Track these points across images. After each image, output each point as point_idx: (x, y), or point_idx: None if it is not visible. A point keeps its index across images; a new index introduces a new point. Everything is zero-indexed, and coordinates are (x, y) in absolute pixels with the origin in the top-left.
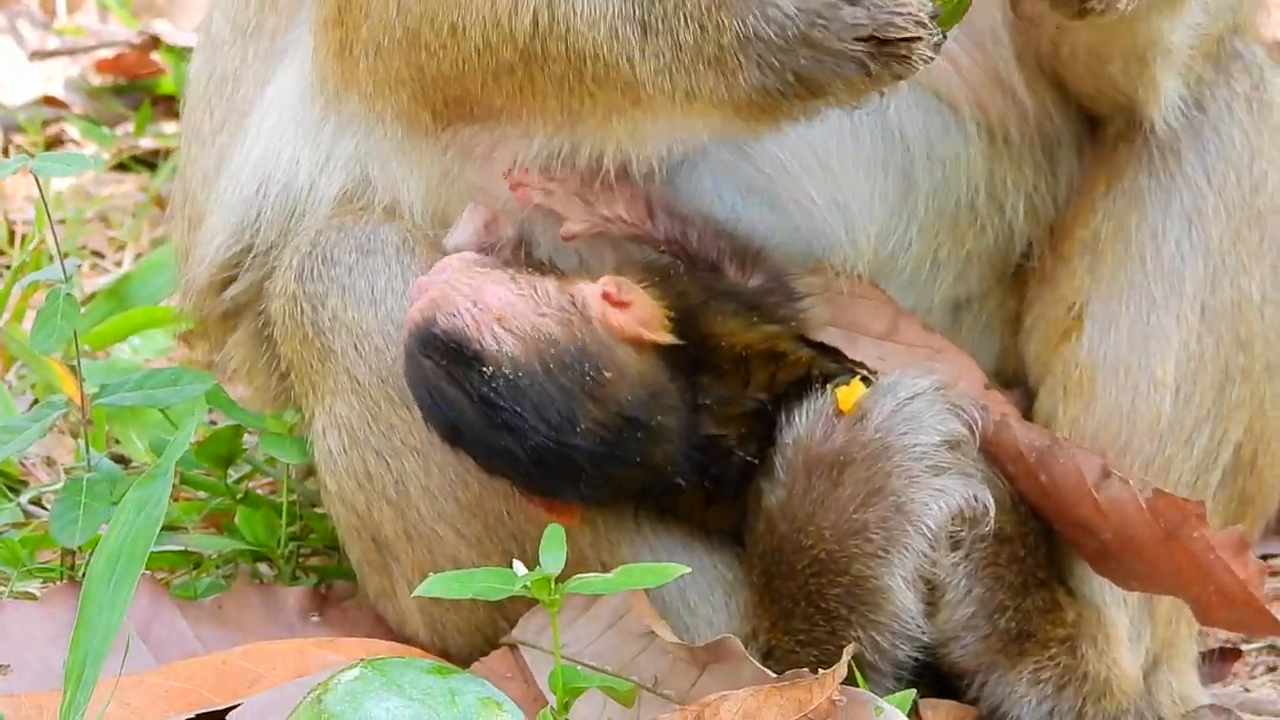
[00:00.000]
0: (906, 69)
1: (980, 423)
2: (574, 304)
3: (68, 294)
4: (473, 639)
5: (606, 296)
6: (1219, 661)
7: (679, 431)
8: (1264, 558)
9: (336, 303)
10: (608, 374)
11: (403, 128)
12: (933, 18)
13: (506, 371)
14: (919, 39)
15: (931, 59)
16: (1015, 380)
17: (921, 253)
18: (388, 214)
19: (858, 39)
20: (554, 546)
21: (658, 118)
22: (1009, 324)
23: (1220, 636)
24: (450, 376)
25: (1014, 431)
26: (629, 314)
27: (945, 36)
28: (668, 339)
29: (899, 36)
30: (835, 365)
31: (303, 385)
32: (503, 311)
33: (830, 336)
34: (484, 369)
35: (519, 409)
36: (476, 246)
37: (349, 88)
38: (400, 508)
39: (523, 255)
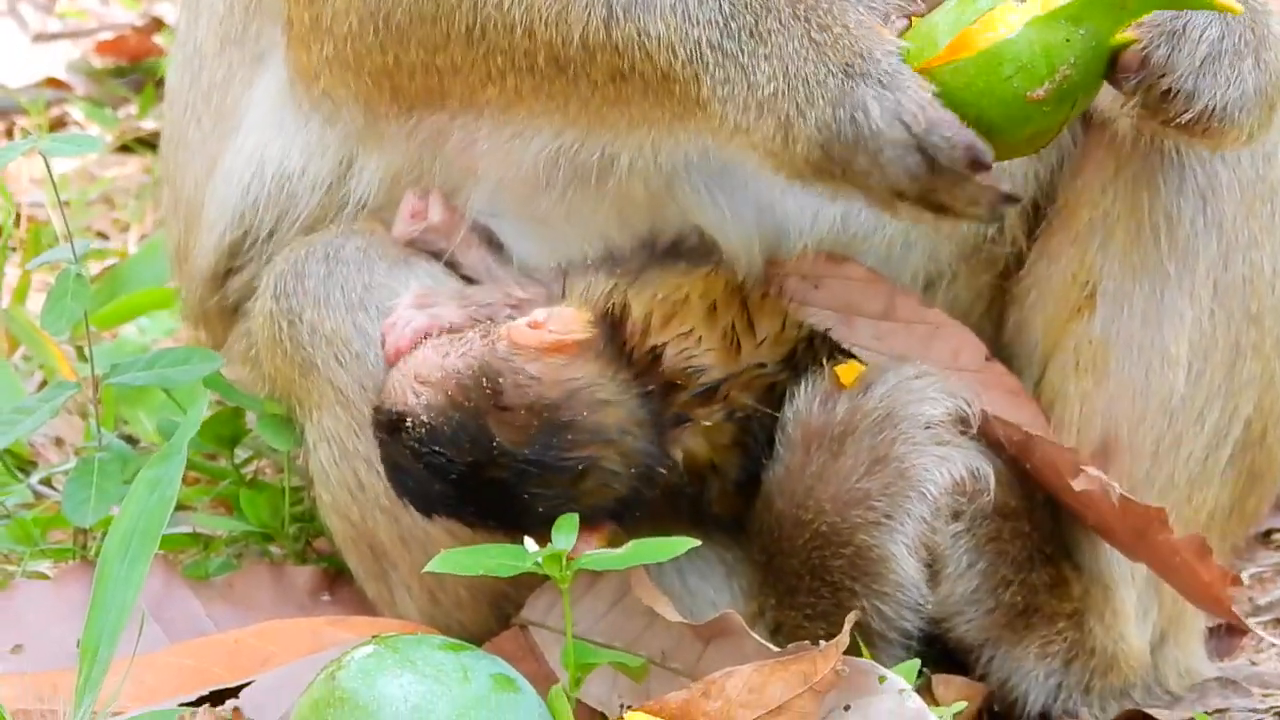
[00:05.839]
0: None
1: (975, 408)
2: (488, 337)
3: (78, 274)
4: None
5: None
6: (1226, 636)
7: (623, 425)
8: (1268, 532)
9: (312, 315)
10: (509, 381)
11: (362, 113)
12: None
13: (424, 419)
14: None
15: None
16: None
17: (895, 231)
18: (358, 214)
19: (910, 178)
20: (566, 525)
21: (696, 134)
22: (979, 299)
23: None
24: (396, 446)
25: (992, 425)
26: (542, 330)
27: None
28: (586, 334)
29: (947, 205)
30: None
31: (290, 403)
32: (418, 368)
33: (826, 319)
34: (409, 427)
35: (436, 447)
36: (408, 238)
37: (312, 75)
38: (394, 514)
39: (480, 245)
